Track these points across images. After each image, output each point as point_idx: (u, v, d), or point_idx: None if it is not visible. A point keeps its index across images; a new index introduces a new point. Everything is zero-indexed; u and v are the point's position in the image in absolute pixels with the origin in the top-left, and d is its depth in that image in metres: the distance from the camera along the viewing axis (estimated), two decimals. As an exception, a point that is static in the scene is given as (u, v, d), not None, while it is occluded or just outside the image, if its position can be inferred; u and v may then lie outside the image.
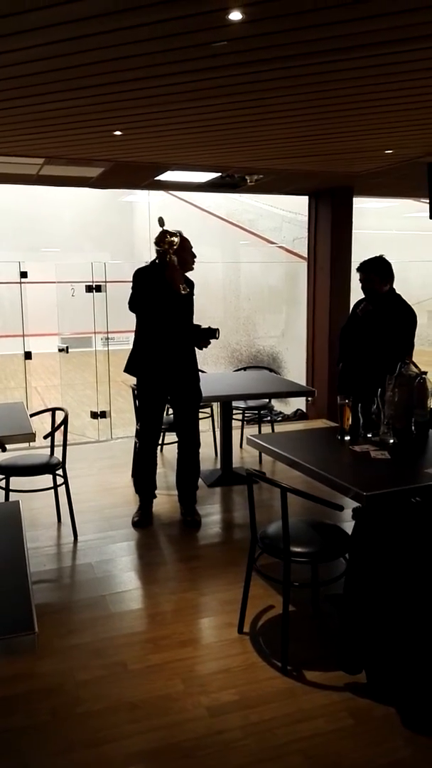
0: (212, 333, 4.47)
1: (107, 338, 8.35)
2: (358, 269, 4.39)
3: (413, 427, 3.50)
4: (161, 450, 6.16)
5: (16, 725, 2.66)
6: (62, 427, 4.44)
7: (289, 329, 9.88)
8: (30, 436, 3.92)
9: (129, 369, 4.57)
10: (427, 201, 5.66)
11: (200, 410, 4.93)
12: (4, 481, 4.34)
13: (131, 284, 4.39)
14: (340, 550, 3.06)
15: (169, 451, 6.11)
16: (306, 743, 2.54)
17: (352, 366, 4.47)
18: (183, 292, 4.23)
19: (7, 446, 3.85)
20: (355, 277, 4.53)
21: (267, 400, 6.13)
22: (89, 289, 7.55)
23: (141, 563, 4.15)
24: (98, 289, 7.55)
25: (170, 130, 4.20)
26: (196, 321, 4.57)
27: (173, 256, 4.22)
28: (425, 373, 3.56)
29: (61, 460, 4.45)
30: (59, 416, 4.61)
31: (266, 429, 6.34)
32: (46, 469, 4.41)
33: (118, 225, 16.56)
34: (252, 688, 2.87)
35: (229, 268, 10.97)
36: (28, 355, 7.52)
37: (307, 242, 7.92)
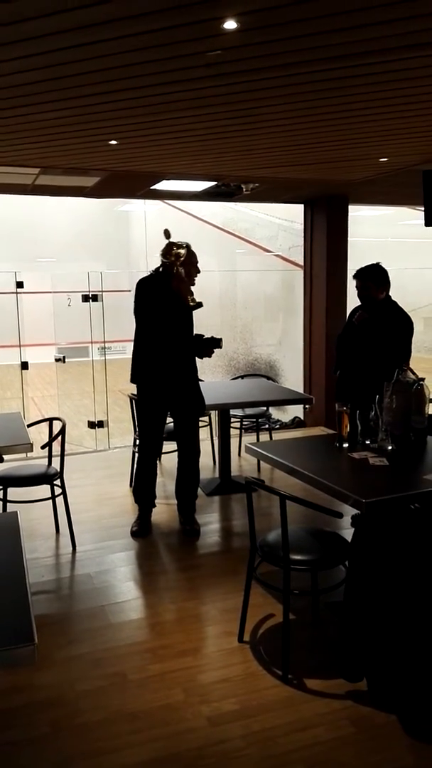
0: (216, 342, 4.47)
1: (104, 347, 8.35)
2: (355, 276, 4.39)
3: (411, 434, 3.50)
4: (159, 459, 6.14)
5: (16, 738, 2.65)
6: (60, 437, 4.43)
7: (286, 337, 9.89)
8: (27, 447, 3.91)
9: (134, 378, 4.57)
10: (422, 209, 5.68)
11: (200, 419, 4.93)
12: (1, 491, 4.33)
13: (134, 294, 4.39)
14: (339, 558, 3.05)
15: (168, 460, 6.10)
16: (307, 752, 2.53)
17: (350, 373, 4.47)
18: (192, 303, 4.21)
19: (5, 457, 3.84)
20: (351, 285, 4.54)
21: (265, 408, 6.13)
22: (85, 298, 7.54)
23: (140, 573, 4.13)
24: (94, 298, 7.55)
25: (165, 139, 4.22)
26: (194, 330, 4.57)
27: (180, 268, 4.21)
28: (422, 379, 3.56)
29: (58, 470, 4.44)
30: (56, 426, 4.60)
31: (264, 437, 6.33)
32: (44, 480, 4.40)
33: (114, 234, 16.58)
34: (253, 697, 2.85)
35: (226, 277, 10.98)
36: (24, 366, 7.51)
37: (303, 250, 7.94)
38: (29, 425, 4.41)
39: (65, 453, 4.47)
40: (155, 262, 4.50)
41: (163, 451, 6.05)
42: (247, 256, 12.75)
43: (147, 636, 3.39)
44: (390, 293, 4.38)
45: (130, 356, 4.56)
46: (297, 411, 8.22)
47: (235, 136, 4.19)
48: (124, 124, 3.83)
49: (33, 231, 15.44)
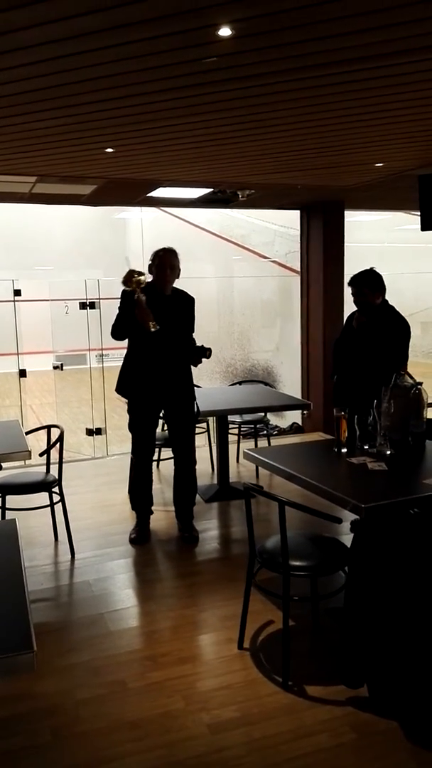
0: (203, 352, 4.50)
1: (102, 355, 8.35)
2: (350, 283, 4.39)
3: (410, 438, 3.50)
4: (158, 466, 6.14)
5: (17, 746, 2.63)
6: (58, 445, 4.43)
7: (284, 343, 9.91)
8: (26, 454, 3.91)
9: (119, 389, 4.59)
10: (418, 214, 5.69)
11: (196, 425, 4.92)
12: (0, 499, 4.32)
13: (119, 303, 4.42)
14: (339, 563, 3.05)
15: (165, 467, 6.09)
16: (309, 759, 2.52)
17: (348, 378, 4.47)
18: (152, 329, 4.22)
19: (3, 464, 3.84)
20: (348, 290, 4.54)
21: (263, 414, 6.13)
22: (83, 306, 7.55)
23: (139, 580, 4.12)
24: (92, 306, 7.55)
25: (162, 146, 4.23)
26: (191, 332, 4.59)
27: (141, 295, 4.23)
28: (420, 383, 3.57)
29: (57, 477, 4.43)
30: (55, 434, 4.60)
31: (262, 443, 6.33)
32: (43, 487, 4.39)
33: (111, 242, 16.63)
34: (253, 705, 2.84)
35: (223, 283, 11.01)
36: (22, 373, 7.52)
37: (299, 256, 7.96)
38: (27, 433, 4.41)
39: (63, 460, 4.46)
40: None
41: (161, 458, 6.08)
42: (243, 263, 12.78)
43: (146, 643, 3.38)
44: (387, 298, 4.39)
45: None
46: (295, 417, 8.22)
47: (230, 143, 4.20)
48: (120, 132, 3.83)
49: (30, 239, 15.47)
